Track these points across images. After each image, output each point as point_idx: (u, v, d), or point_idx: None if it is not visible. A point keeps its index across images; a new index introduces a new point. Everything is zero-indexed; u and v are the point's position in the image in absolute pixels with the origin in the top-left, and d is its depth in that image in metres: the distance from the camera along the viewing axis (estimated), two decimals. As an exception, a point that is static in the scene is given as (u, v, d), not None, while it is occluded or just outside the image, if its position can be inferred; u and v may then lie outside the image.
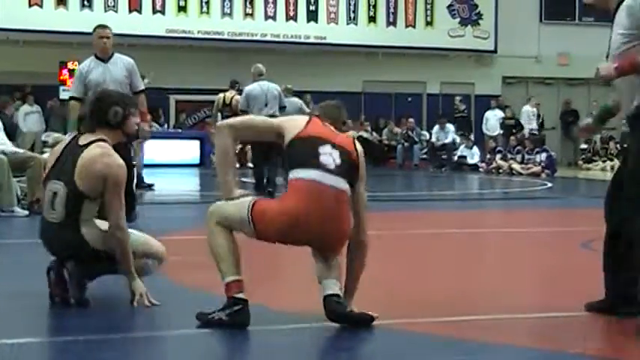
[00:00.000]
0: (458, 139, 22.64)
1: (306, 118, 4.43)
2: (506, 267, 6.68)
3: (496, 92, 24.81)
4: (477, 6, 24.80)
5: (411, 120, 23.05)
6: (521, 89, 25.81)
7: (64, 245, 4.73)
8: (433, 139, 22.57)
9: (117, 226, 4.70)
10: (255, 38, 22.82)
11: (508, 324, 4.52)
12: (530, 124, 22.21)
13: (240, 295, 4.13)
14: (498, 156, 21.54)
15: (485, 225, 10.47)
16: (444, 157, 22.42)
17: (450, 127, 22.63)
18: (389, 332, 4.25)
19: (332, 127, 4.37)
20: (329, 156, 4.17)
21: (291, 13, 23.32)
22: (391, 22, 24.05)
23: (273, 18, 23.17)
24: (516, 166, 20.60)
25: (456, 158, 22.31)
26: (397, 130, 23.05)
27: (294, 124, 4.32)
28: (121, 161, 4.77)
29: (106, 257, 4.72)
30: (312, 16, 23.48)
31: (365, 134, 21.06)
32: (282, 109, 12.95)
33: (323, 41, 23.10)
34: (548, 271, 6.57)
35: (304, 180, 4.14)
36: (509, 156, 21.25)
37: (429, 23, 24.37)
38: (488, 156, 22.13)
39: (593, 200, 13.81)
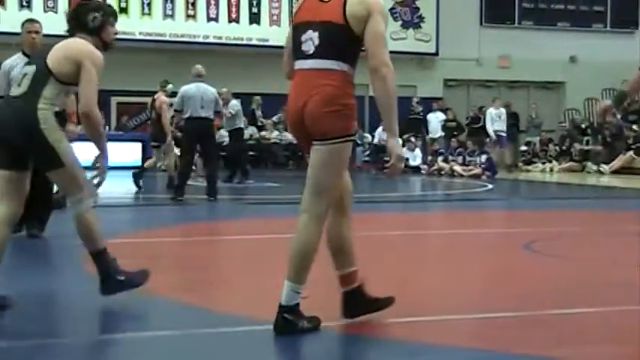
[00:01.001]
0: (400, 142, 22.75)
1: None
2: (449, 268, 6.73)
3: (438, 94, 25.03)
4: (418, 9, 25.01)
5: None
6: (462, 92, 26.09)
7: (14, 115, 4.63)
8: (376, 141, 22.67)
9: (85, 114, 4.67)
10: (197, 40, 22.72)
11: (452, 325, 4.56)
12: (494, 126, 22.08)
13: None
14: (440, 158, 21.74)
15: (429, 227, 10.54)
16: (386, 158, 22.47)
17: (393, 128, 22.69)
18: (333, 333, 4.26)
19: None
20: (309, 42, 4.30)
21: (234, 15, 23.26)
22: (334, 25, 24.07)
23: (216, 20, 23.10)
24: (457, 168, 20.80)
25: (398, 160, 22.41)
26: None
27: (294, 14, 4.49)
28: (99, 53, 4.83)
29: (48, 151, 4.59)
30: (255, 18, 23.44)
31: None
32: (217, 113, 12.82)
33: (265, 43, 23.04)
34: (492, 273, 6.64)
35: (293, 74, 4.39)
36: (450, 158, 21.45)
37: (371, 26, 24.44)
38: (430, 158, 22.31)
39: (533, 202, 14.08)
